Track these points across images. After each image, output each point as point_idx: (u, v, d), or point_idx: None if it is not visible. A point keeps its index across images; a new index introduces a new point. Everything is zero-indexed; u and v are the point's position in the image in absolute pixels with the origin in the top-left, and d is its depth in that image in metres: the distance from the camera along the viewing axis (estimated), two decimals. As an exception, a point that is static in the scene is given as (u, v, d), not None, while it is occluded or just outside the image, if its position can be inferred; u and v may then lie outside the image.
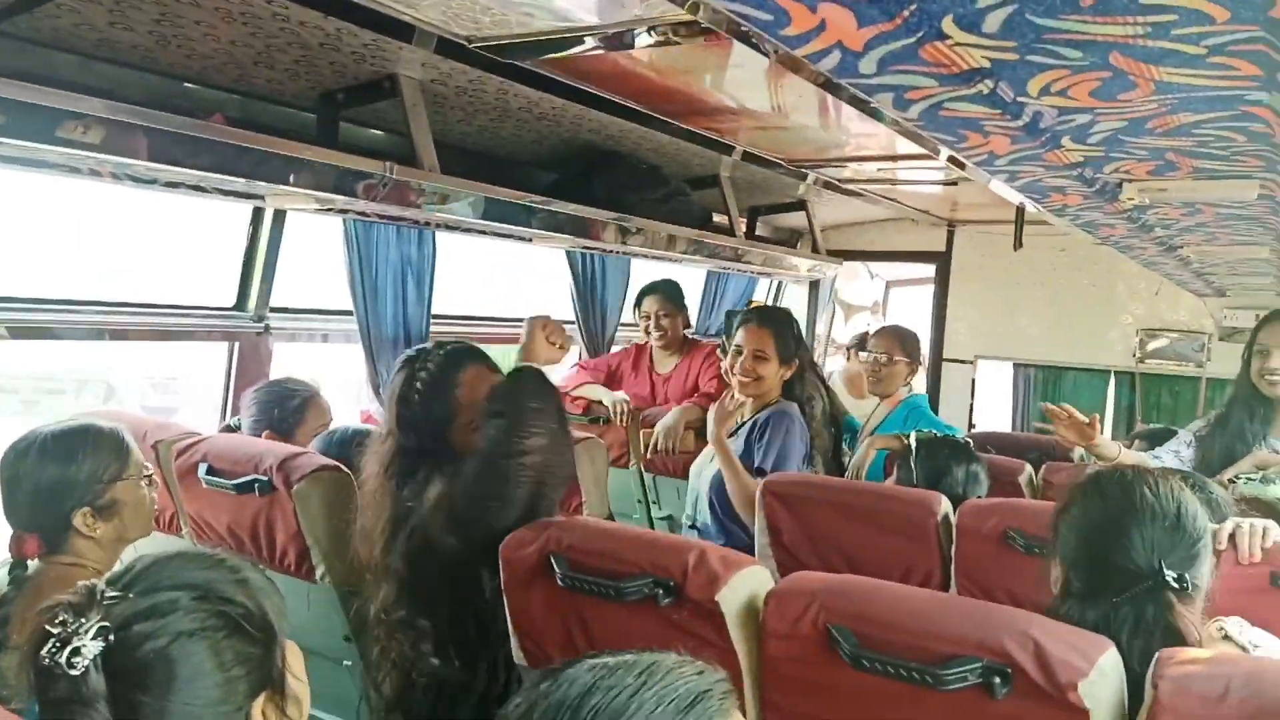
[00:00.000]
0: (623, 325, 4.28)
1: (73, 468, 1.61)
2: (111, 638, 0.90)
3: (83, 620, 0.90)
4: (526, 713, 0.75)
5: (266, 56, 2.16)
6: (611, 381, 3.87)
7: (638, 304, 3.91)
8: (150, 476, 1.72)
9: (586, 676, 0.76)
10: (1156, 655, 1.19)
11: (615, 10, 1.61)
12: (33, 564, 1.62)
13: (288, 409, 2.51)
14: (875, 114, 1.00)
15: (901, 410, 3.25)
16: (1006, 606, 1.32)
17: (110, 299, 2.70)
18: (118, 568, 0.98)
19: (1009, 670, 1.20)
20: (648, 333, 3.85)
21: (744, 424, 2.78)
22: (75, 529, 1.61)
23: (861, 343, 4.03)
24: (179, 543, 2.26)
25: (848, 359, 4.51)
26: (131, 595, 0.93)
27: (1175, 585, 1.38)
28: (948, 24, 0.73)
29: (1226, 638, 1.45)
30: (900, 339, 3.37)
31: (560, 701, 0.74)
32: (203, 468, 2.08)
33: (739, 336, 2.78)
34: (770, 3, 0.67)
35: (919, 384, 3.75)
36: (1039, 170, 1.29)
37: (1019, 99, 0.95)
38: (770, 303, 5.26)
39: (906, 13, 0.69)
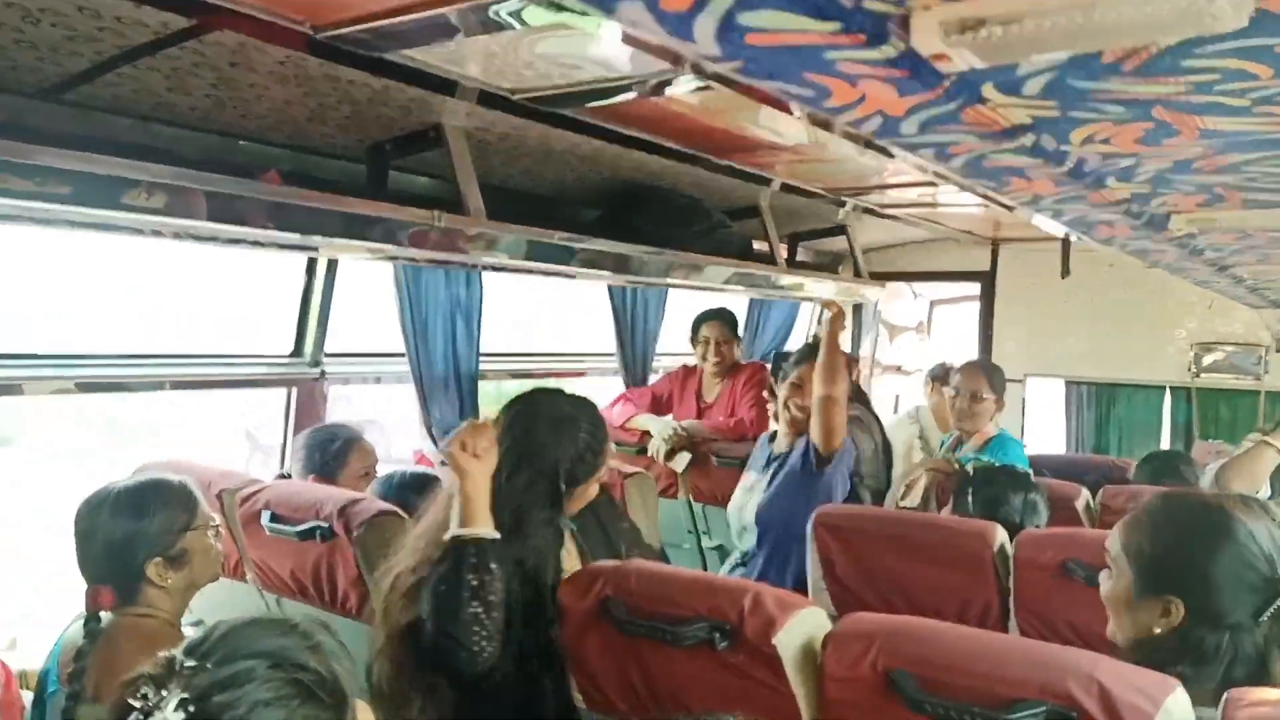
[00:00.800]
0: (659, 355, 4.32)
1: (144, 521, 1.67)
2: (192, 709, 0.92)
3: (164, 693, 0.93)
4: None
5: (319, 114, 2.23)
6: (659, 408, 3.90)
7: (695, 330, 3.96)
8: (216, 526, 1.77)
9: None
10: (1226, 695, 1.17)
11: (654, 61, 1.64)
12: (106, 616, 1.67)
13: (330, 452, 2.57)
14: (919, 166, 1.01)
15: (990, 450, 3.18)
16: (1070, 648, 1.30)
17: (173, 350, 2.79)
18: (196, 634, 1.01)
19: (1074, 715, 1.19)
20: (704, 359, 3.90)
21: (784, 453, 2.82)
22: (148, 579, 1.67)
23: (944, 375, 4.00)
24: (244, 589, 2.32)
25: (929, 390, 4.45)
26: (210, 665, 0.95)
27: None
28: (988, 89, 0.75)
29: None
30: (988, 375, 3.31)
31: None
32: (265, 515, 2.14)
33: (783, 372, 2.84)
34: (810, 80, 0.69)
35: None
36: (1084, 208, 1.29)
37: (1061, 148, 0.95)
38: (812, 325, 5.25)
39: (947, 83, 0.71)
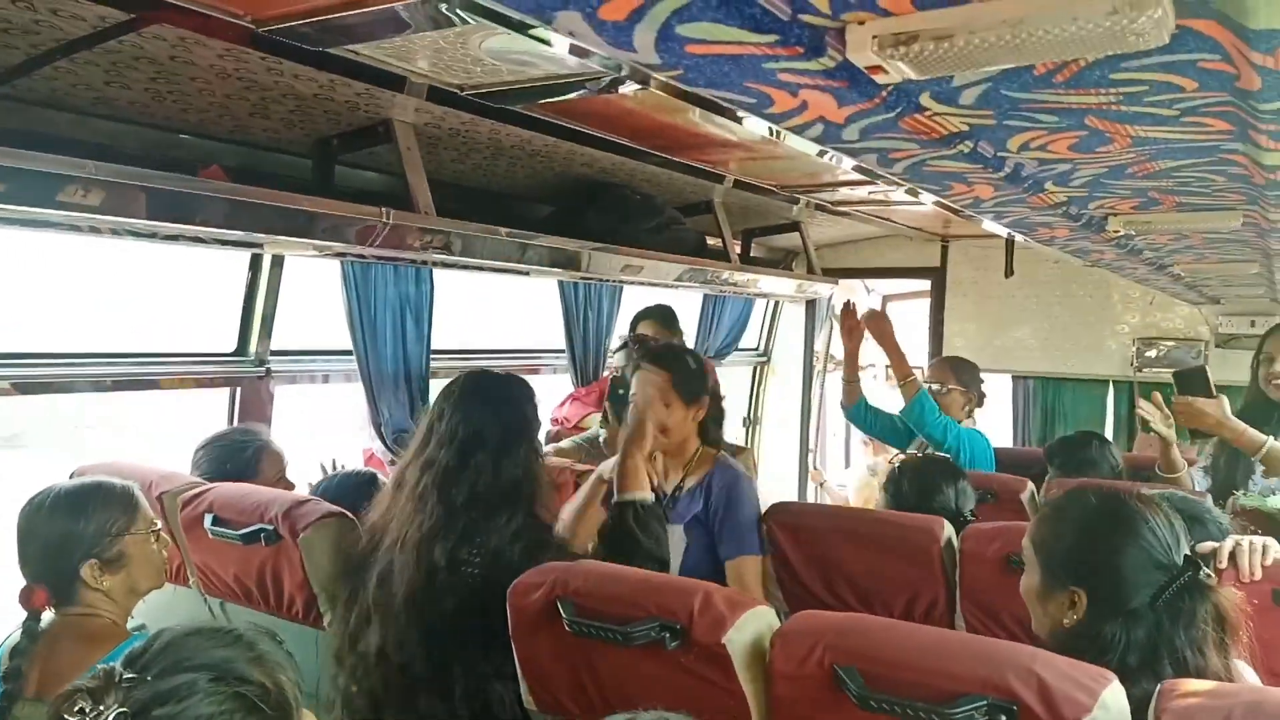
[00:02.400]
0: (612, 352, 4.32)
1: (81, 522, 1.66)
2: None
3: (101, 707, 0.91)
4: None
5: (261, 108, 2.18)
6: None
7: (632, 328, 3.90)
8: (158, 531, 1.75)
9: None
10: (1159, 687, 1.20)
11: (603, 61, 1.64)
12: (48, 616, 1.65)
13: (241, 460, 2.48)
14: (862, 170, 1.02)
15: (977, 435, 3.28)
16: (1011, 643, 1.33)
17: (112, 350, 2.73)
18: (137, 645, 0.98)
19: (1014, 707, 1.21)
20: None
21: (676, 492, 2.36)
22: (83, 580, 1.65)
23: None
24: (186, 594, 2.28)
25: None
26: (150, 678, 0.93)
27: (1206, 568, 1.42)
28: (925, 99, 0.76)
29: None
30: (954, 368, 3.45)
31: None
32: (208, 518, 2.10)
33: (634, 383, 2.35)
34: (751, 88, 0.70)
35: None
36: (1024, 210, 1.31)
37: (999, 154, 0.97)
38: (767, 322, 5.28)
39: (885, 93, 0.71)
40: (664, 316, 3.89)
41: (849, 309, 3.64)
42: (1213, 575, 1.44)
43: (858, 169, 1.03)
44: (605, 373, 4.11)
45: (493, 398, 1.94)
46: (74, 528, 1.65)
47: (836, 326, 4.44)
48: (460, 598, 1.82)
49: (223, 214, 2.01)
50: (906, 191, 1.22)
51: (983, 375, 4.93)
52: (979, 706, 1.23)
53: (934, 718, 1.24)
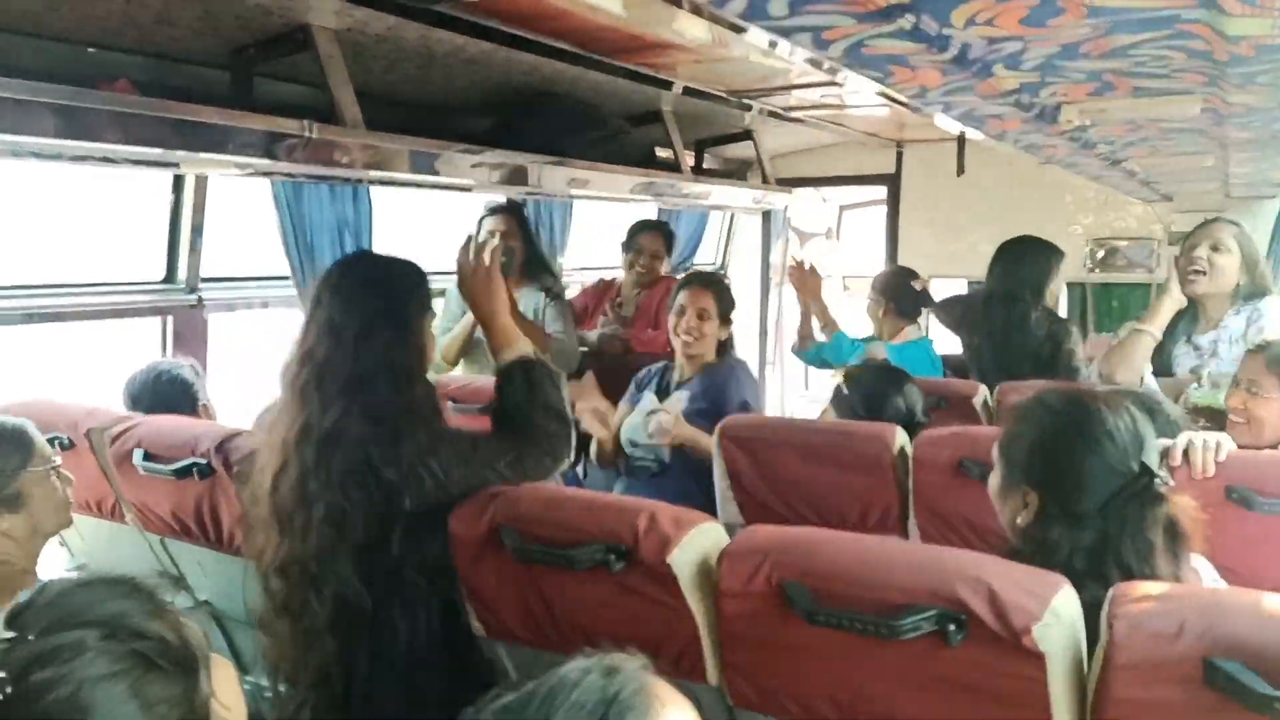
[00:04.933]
0: (569, 270, 4.23)
1: None
2: (9, 689, 0.81)
3: None
4: None
5: (166, 14, 2.03)
6: (576, 322, 3.81)
7: (630, 237, 3.88)
8: (57, 468, 1.67)
9: None
10: (1111, 592, 1.18)
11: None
12: None
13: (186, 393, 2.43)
14: (807, 61, 0.93)
15: (904, 351, 3.34)
16: (960, 550, 1.30)
17: (35, 281, 2.59)
18: (22, 597, 0.90)
19: (963, 617, 1.19)
20: (632, 267, 3.82)
21: (685, 381, 2.90)
22: None
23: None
24: (126, 531, 2.20)
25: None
26: (31, 637, 0.84)
27: (1162, 476, 1.40)
28: (858, -40, 0.67)
29: None
30: (881, 285, 3.63)
31: None
32: (138, 454, 2.01)
33: (682, 297, 2.89)
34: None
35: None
36: (974, 100, 1.24)
37: (944, 31, 0.89)
38: (723, 235, 5.20)
39: (810, -48, 0.63)
40: (665, 231, 3.99)
41: (799, 266, 3.74)
42: (1169, 481, 1.41)
43: (803, 57, 0.94)
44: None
45: (368, 279, 1.80)
46: None
47: (794, 237, 4.39)
48: (326, 501, 1.67)
49: (132, 129, 1.87)
50: (848, 80, 1.13)
51: (937, 282, 4.95)
52: (927, 616, 1.21)
53: (883, 630, 1.22)
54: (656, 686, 0.76)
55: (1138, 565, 1.34)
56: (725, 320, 2.92)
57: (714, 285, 2.95)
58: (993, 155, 3.50)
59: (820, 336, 3.62)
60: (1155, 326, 2.64)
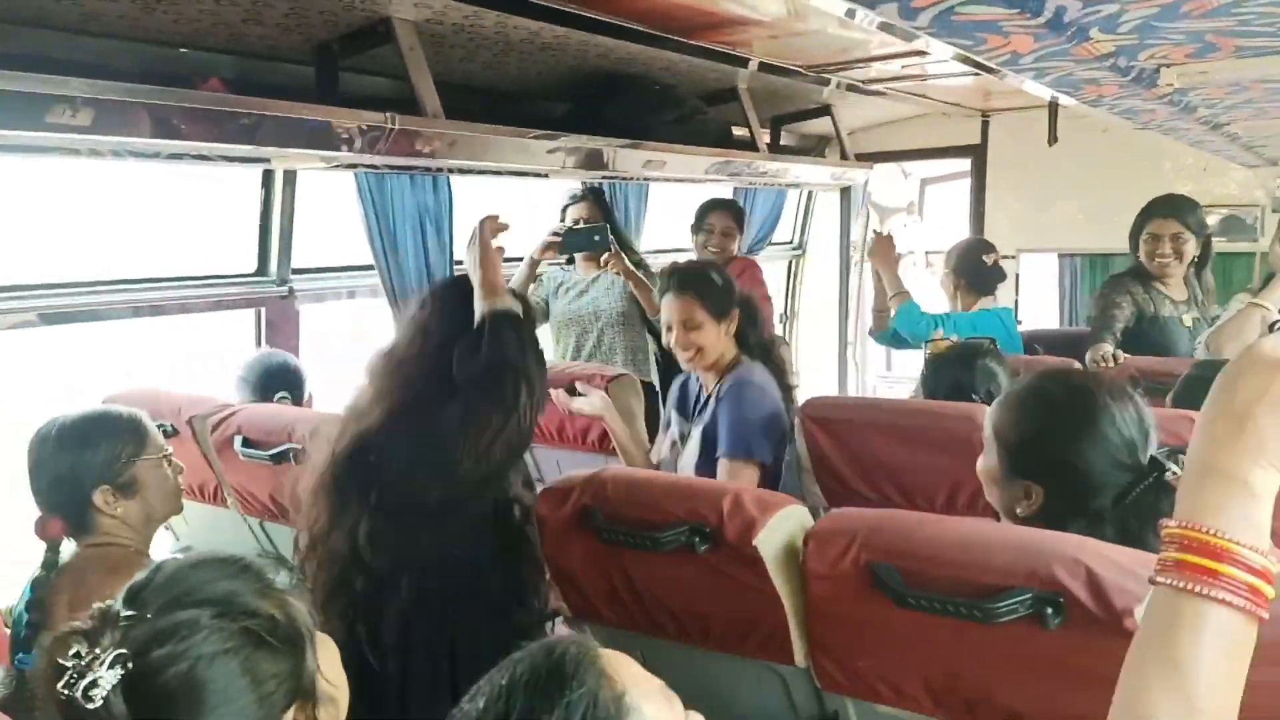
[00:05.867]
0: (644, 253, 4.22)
1: (89, 452, 1.65)
2: (130, 665, 0.85)
3: (97, 650, 0.86)
4: None
5: (255, 13, 2.08)
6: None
7: (700, 217, 3.83)
8: (169, 456, 1.74)
9: None
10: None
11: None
12: (69, 549, 1.66)
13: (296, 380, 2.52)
14: (886, 27, 0.91)
15: (982, 318, 3.26)
16: (1055, 532, 1.26)
17: (133, 276, 2.70)
18: (139, 578, 0.95)
19: (1061, 599, 1.16)
20: (705, 248, 3.78)
21: (710, 399, 2.45)
22: (98, 508, 1.65)
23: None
24: (227, 514, 2.29)
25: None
26: (150, 615, 0.88)
27: (1175, 468, 1.32)
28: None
29: None
30: (949, 256, 3.48)
31: None
32: (238, 440, 2.09)
33: (663, 310, 2.44)
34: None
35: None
36: (1068, 64, 1.19)
37: (1038, -5, 0.86)
38: (801, 213, 5.12)
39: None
40: (734, 209, 3.87)
41: (883, 239, 3.58)
42: (1178, 470, 1.34)
43: (882, 26, 0.92)
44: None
45: (450, 296, 1.86)
46: (83, 456, 1.64)
47: (873, 213, 4.28)
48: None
49: (224, 126, 1.94)
50: (932, 49, 1.10)
51: (1026, 256, 4.80)
52: (1023, 600, 1.18)
53: (976, 613, 1.19)
54: (598, 652, 0.79)
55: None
56: (722, 316, 2.41)
57: (692, 285, 2.41)
58: (1084, 123, 3.37)
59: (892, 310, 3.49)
60: (1272, 301, 2.52)
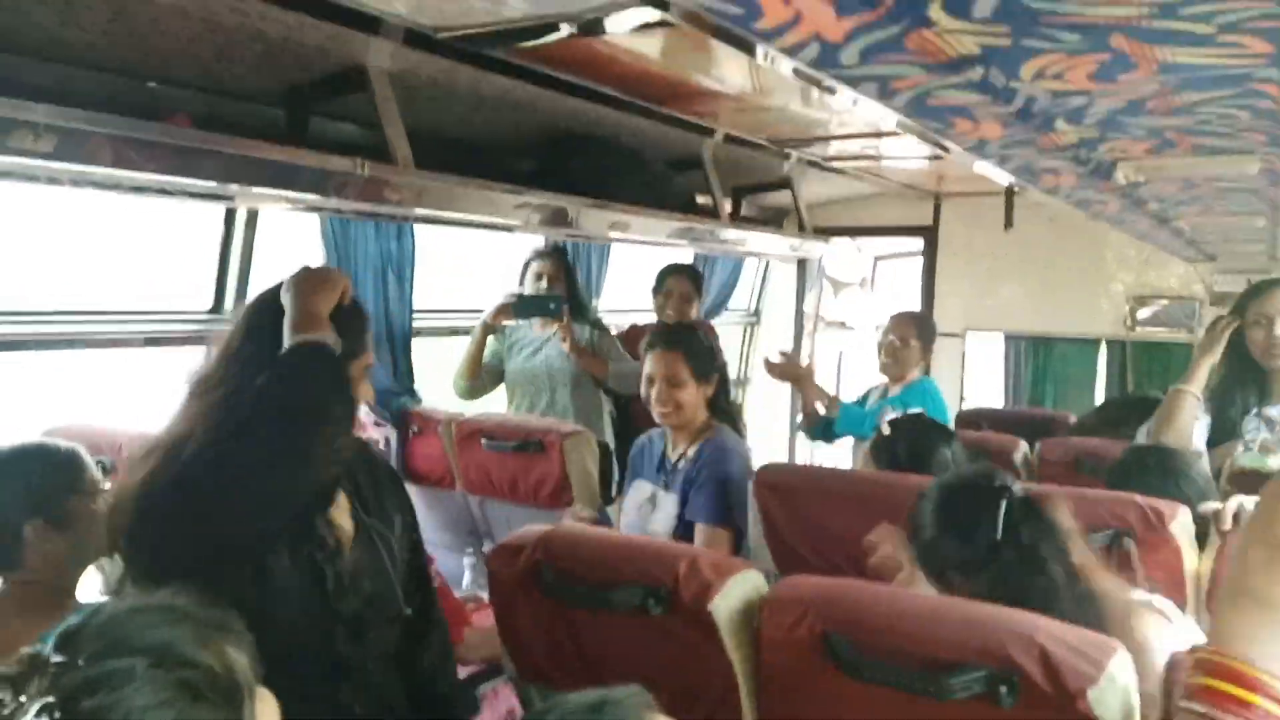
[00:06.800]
0: (602, 312, 4.24)
1: (23, 483, 1.60)
2: (57, 715, 0.80)
3: (22, 699, 0.80)
4: None
5: (227, 52, 2.08)
6: None
7: (659, 281, 3.86)
8: (105, 493, 1.68)
9: None
10: (1171, 658, 1.15)
11: (585, -2, 1.54)
12: None
13: None
14: (861, 105, 0.94)
15: (911, 392, 3.27)
16: (1013, 610, 1.27)
17: (82, 308, 2.64)
18: (73, 621, 0.90)
19: (1015, 678, 1.16)
20: (663, 311, 3.79)
21: (679, 460, 2.52)
22: (26, 542, 1.58)
23: None
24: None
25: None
26: (81, 663, 0.83)
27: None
28: (935, 10, 0.67)
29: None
30: (917, 323, 3.46)
31: None
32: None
33: (648, 364, 2.51)
34: (741, -4, 0.61)
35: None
36: (1031, 153, 1.24)
37: (1011, 84, 0.89)
38: (758, 282, 5.20)
39: (890, 1, 0.63)
40: (693, 274, 3.91)
41: (778, 366, 3.50)
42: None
43: (858, 104, 0.95)
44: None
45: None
46: (16, 488, 1.59)
47: (827, 285, 4.32)
48: None
49: (189, 162, 1.91)
50: (910, 133, 1.13)
51: (973, 335, 4.92)
52: (977, 677, 1.18)
53: (930, 688, 1.19)
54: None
55: (1079, 587, 1.42)
56: (704, 378, 2.50)
57: (681, 343, 2.51)
58: (1033, 211, 3.49)
59: (823, 412, 3.41)
60: (1195, 386, 2.59)
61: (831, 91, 0.92)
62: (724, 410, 2.59)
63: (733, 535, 2.37)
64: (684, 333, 2.61)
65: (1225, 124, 1.06)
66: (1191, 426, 2.56)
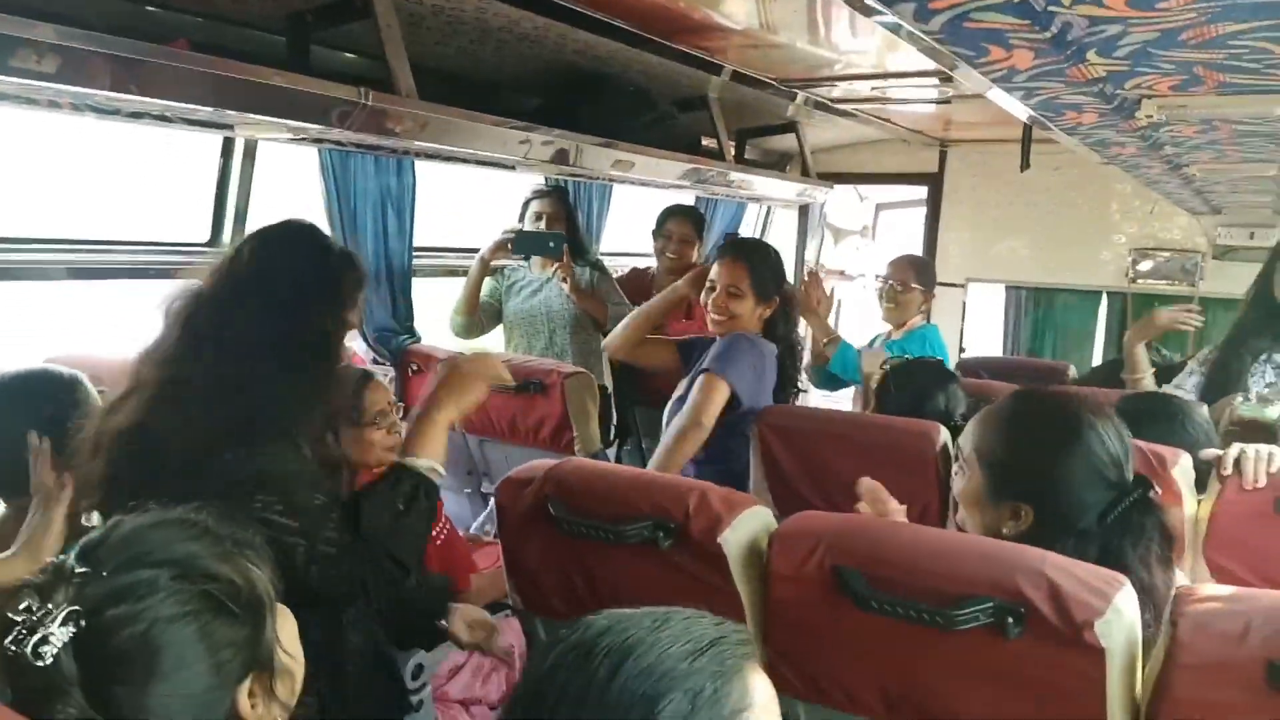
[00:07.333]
0: (603, 255, 4.21)
1: (30, 409, 1.57)
2: (83, 623, 0.81)
3: (49, 606, 0.81)
4: (544, 655, 0.76)
5: (227, -24, 2.03)
6: None
7: (660, 224, 3.81)
8: None
9: (604, 621, 0.77)
10: (1175, 592, 1.16)
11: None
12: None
13: None
14: (894, 27, 0.92)
15: (911, 339, 3.25)
16: (1018, 544, 1.28)
17: (80, 238, 2.61)
18: (95, 535, 0.90)
19: (1022, 610, 1.17)
20: (663, 253, 3.76)
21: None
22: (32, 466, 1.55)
23: None
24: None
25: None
26: (105, 573, 0.84)
27: (1156, 487, 1.38)
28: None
29: None
30: (915, 267, 3.42)
31: (576, 643, 0.75)
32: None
33: (714, 270, 2.52)
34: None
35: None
36: (1058, 86, 1.22)
37: (1050, 8, 0.87)
38: (759, 228, 5.17)
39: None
40: (695, 217, 3.84)
41: (805, 291, 3.39)
42: (1158, 491, 1.39)
43: (891, 27, 0.92)
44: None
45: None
46: (21, 409, 1.56)
47: (828, 233, 4.29)
48: None
49: (190, 88, 1.87)
50: (939, 61, 1.10)
51: (975, 285, 4.91)
52: (985, 608, 1.19)
53: (938, 620, 1.20)
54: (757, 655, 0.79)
55: (1140, 573, 1.31)
56: (764, 297, 2.49)
57: (751, 256, 2.51)
58: (1041, 159, 3.45)
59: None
60: (1141, 372, 2.69)
61: (868, 13, 0.89)
62: (783, 338, 2.57)
63: (729, 392, 2.35)
64: (757, 247, 2.61)
65: (1255, 59, 1.04)
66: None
